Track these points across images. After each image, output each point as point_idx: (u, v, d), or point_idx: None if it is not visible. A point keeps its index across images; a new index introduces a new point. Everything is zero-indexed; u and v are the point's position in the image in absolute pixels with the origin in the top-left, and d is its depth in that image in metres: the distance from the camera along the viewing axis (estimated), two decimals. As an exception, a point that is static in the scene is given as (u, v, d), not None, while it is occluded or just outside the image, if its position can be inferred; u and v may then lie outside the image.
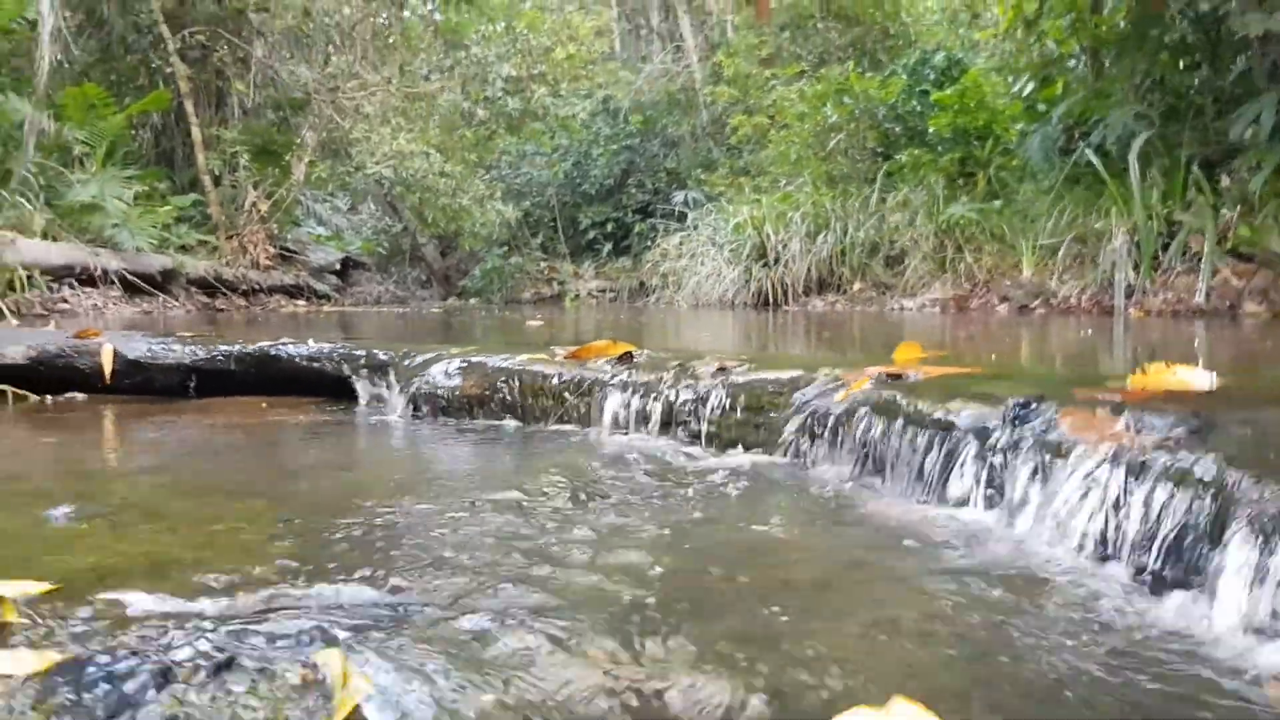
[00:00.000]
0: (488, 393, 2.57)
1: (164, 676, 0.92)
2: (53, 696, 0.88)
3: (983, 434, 1.54)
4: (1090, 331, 5.75)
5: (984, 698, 0.89)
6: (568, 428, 2.42)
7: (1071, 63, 11.57)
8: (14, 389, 3.14)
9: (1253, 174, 8.15)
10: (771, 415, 2.11)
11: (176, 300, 10.02)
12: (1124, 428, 1.36)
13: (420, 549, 1.36)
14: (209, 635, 1.00)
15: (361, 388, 2.90)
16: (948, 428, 1.62)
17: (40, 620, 1.05)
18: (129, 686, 0.90)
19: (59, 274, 8.58)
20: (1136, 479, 1.26)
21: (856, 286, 12.51)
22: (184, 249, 11.19)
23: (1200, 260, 7.69)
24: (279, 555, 1.30)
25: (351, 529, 1.46)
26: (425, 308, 14.01)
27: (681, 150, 20.33)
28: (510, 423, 2.52)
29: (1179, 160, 8.42)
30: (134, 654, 0.96)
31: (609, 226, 20.20)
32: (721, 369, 2.31)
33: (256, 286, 12.24)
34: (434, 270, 22.03)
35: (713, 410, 2.19)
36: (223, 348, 3.19)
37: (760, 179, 15.81)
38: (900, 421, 1.73)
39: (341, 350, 2.99)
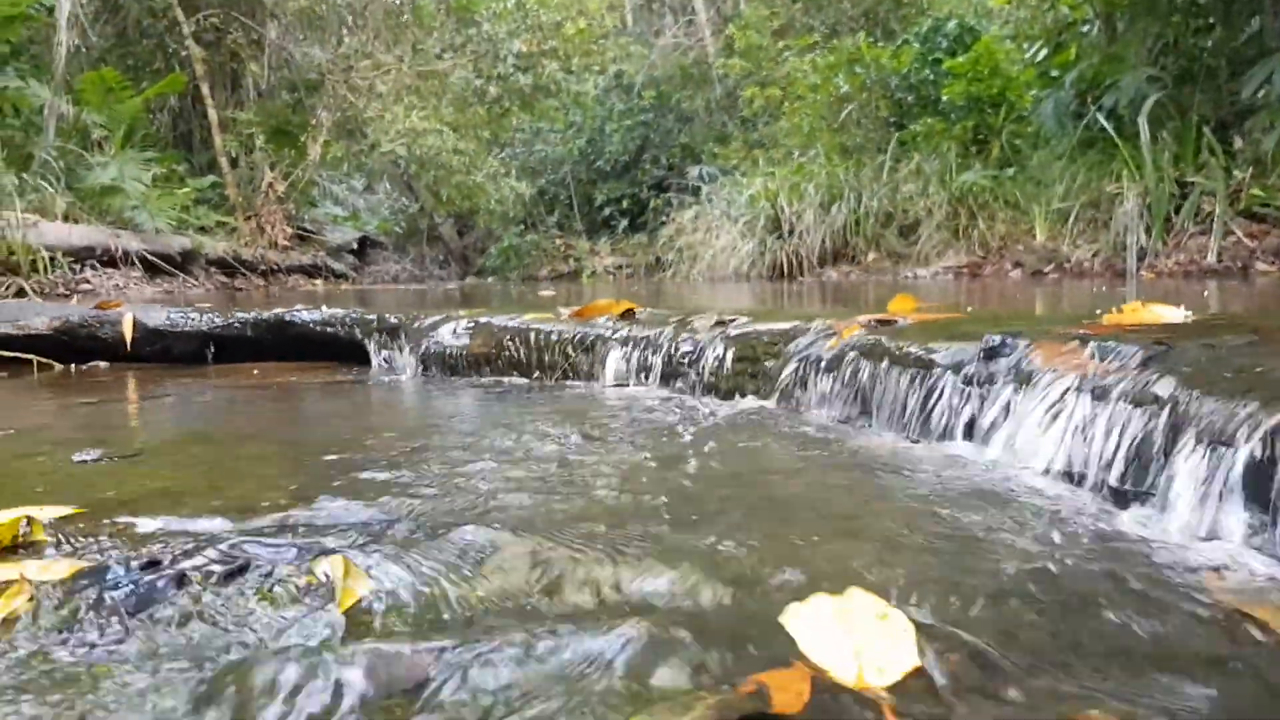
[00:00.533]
0: (494, 351, 2.65)
1: (180, 581, 1.00)
2: (79, 596, 0.97)
3: (959, 369, 1.61)
4: (1102, 289, 5.77)
5: (935, 591, 0.96)
6: (572, 382, 2.50)
7: (1086, 28, 11.49)
8: (39, 358, 3.24)
9: (1266, 134, 8.11)
10: (767, 364, 2.17)
11: (196, 280, 10.14)
12: (1090, 356, 1.42)
13: (419, 480, 1.44)
14: (221, 547, 1.08)
15: (374, 350, 2.98)
16: (928, 365, 1.68)
17: (65, 538, 1.14)
18: (148, 588, 0.98)
19: (81, 255, 8.70)
20: (1099, 402, 1.32)
21: (871, 256, 12.50)
22: (202, 230, 11.30)
23: (1212, 221, 7.67)
24: (288, 486, 1.39)
25: (357, 466, 1.54)
26: (442, 285, 14.11)
27: (695, 124, 20.31)
28: (517, 379, 2.60)
29: (1191, 122, 8.38)
30: (152, 562, 1.04)
31: (624, 203, 20.22)
32: (719, 323, 2.37)
33: (275, 266, 12.36)
34: (451, 249, 22.13)
35: (711, 361, 2.26)
36: (239, 315, 3.28)
37: (774, 151, 15.79)
38: (885, 362, 1.79)
39: (354, 315, 3.07)
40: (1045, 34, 12.14)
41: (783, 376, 2.10)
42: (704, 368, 2.26)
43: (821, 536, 1.14)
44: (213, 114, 12.81)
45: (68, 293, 7.92)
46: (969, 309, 2.45)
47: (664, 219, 16.66)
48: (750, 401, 2.14)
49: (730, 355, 2.24)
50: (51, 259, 8.01)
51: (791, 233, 12.91)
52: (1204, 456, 1.12)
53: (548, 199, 21.23)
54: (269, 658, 0.81)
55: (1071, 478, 1.32)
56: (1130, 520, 1.16)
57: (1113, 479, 1.25)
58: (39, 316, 3.36)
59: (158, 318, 3.32)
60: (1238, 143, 8.62)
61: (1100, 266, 8.26)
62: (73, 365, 3.29)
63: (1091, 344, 1.43)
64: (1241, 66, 8.87)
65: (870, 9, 17.84)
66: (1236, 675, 0.80)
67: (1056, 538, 1.12)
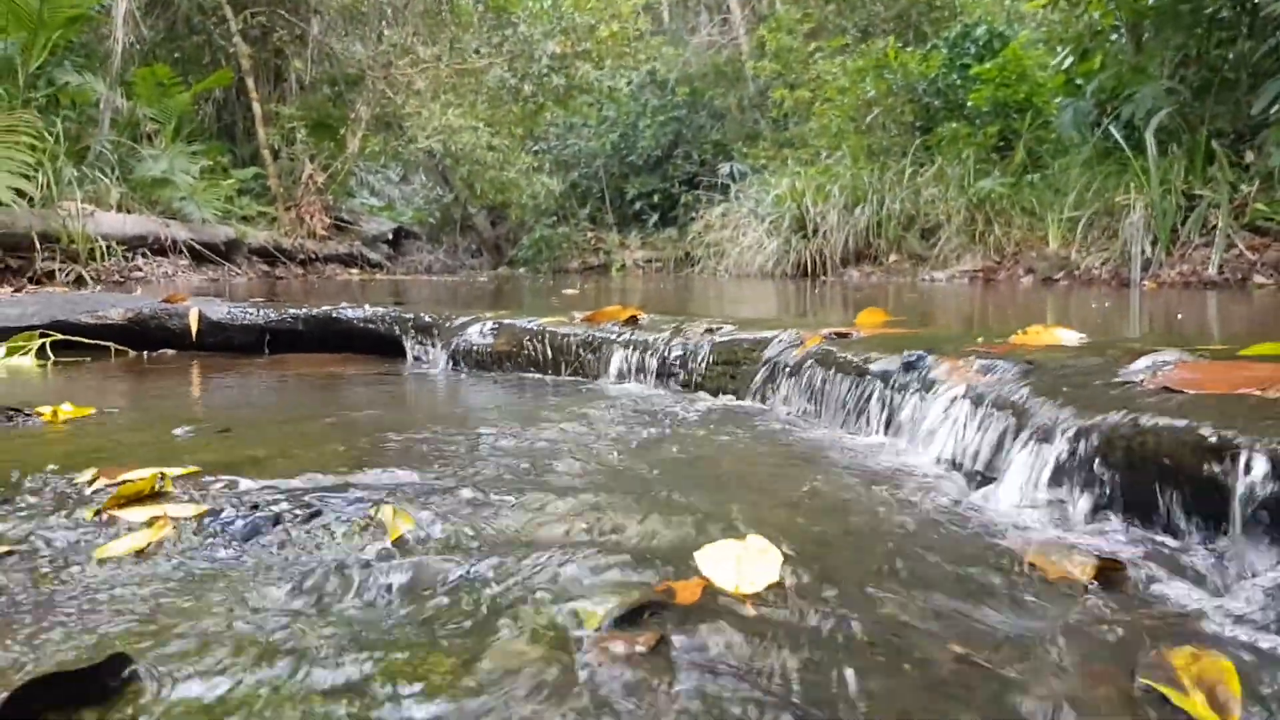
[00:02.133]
0: (515, 349, 3.05)
1: (275, 520, 1.40)
2: (206, 528, 1.37)
3: (885, 377, 1.98)
4: (1106, 304, 6.08)
5: (811, 536, 1.34)
6: (581, 379, 2.89)
7: (1115, 36, 11.68)
8: (116, 345, 3.67)
9: (1276, 150, 8.35)
10: (744, 367, 2.55)
11: (239, 268, 10.63)
12: (977, 371, 1.79)
13: (448, 453, 1.84)
14: (303, 499, 1.48)
15: (409, 346, 3.38)
16: (863, 373, 2.06)
17: (187, 489, 1.54)
18: (254, 524, 1.38)
19: (133, 244, 9.20)
20: (976, 406, 1.70)
21: (892, 258, 12.80)
22: (245, 220, 11.80)
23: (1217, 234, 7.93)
24: (345, 457, 1.79)
25: (398, 442, 1.94)
26: (474, 276, 14.56)
27: (728, 122, 20.63)
28: (534, 374, 3.00)
29: (1201, 136, 8.63)
30: (254, 505, 1.44)
31: (655, 197, 20.56)
32: (709, 330, 2.75)
33: (313, 256, 12.84)
34: (484, 240, 22.59)
35: (698, 363, 2.64)
36: (292, 310, 3.70)
37: (802, 151, 16.07)
38: (833, 369, 2.17)
39: (393, 313, 3.48)
40: (1072, 41, 12.34)
41: (756, 379, 2.48)
42: (691, 369, 2.65)
43: (746, 501, 1.53)
44: (257, 108, 13.31)
45: (121, 280, 8.42)
46: (924, 325, 2.80)
47: (694, 215, 17.01)
48: (729, 399, 2.52)
49: (714, 359, 2.62)
50: (107, 247, 8.51)
51: (816, 233, 13.24)
52: (1033, 449, 1.50)
53: (580, 192, 21.64)
54: (340, 566, 1.21)
55: (952, 464, 1.70)
56: (978, 496, 1.54)
57: (976, 465, 1.63)
58: (114, 308, 3.79)
59: (220, 312, 3.74)
60: (1249, 157, 8.86)
61: (1108, 275, 8.54)
62: (144, 352, 3.71)
63: (979, 361, 1.81)
64: (1260, 80, 9.08)
65: (903, 11, 18.07)
66: (999, 596, 1.17)
67: (916, 505, 1.50)
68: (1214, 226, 8.06)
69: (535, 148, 19.96)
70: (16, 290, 5.97)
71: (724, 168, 18.06)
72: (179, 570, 1.23)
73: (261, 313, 3.70)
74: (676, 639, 1.01)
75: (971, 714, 0.88)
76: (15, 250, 7.65)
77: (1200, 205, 8.27)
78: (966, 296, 7.39)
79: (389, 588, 1.15)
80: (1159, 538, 1.33)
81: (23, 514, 1.43)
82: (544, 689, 0.90)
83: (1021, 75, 12.55)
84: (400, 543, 1.33)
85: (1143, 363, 1.60)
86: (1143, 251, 8.19)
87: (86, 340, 3.69)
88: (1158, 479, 1.33)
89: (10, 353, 3.46)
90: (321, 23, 14.46)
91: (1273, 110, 8.71)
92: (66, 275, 7.86)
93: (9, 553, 1.28)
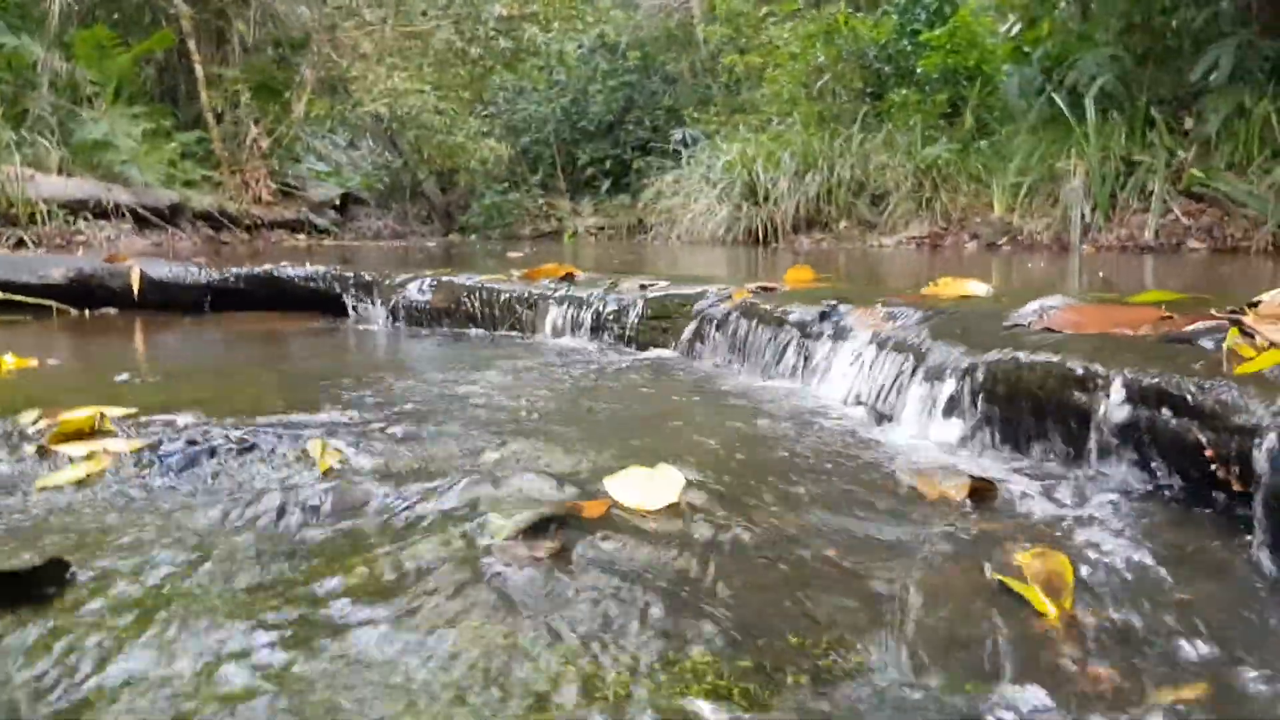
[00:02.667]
0: (453, 305, 3.12)
1: (211, 452, 1.48)
2: (143, 459, 1.44)
3: (802, 326, 2.09)
4: (1042, 264, 6.26)
5: (723, 467, 1.45)
6: (518, 334, 2.97)
7: (1063, 4, 11.83)
8: (58, 304, 3.68)
9: (1214, 116, 8.57)
10: (676, 321, 2.65)
11: (183, 233, 10.51)
12: (883, 318, 1.90)
13: (381, 398, 1.92)
14: (236, 434, 1.55)
15: (350, 303, 3.44)
16: (782, 323, 2.16)
17: (126, 428, 1.61)
18: (190, 456, 1.45)
19: (74, 207, 9.07)
20: (880, 350, 1.81)
21: (843, 225, 12.91)
22: (189, 184, 11.65)
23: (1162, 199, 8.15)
24: (281, 400, 1.86)
25: (330, 388, 2.02)
26: (422, 242, 14.50)
27: (680, 87, 20.61)
28: (472, 330, 3.07)
29: (1144, 102, 8.83)
30: (190, 441, 1.52)
31: (607, 164, 20.51)
32: (642, 286, 2.84)
33: (259, 221, 12.70)
34: (435, 206, 22.41)
35: (631, 318, 2.73)
36: (234, 270, 3.73)
37: (754, 117, 16.11)
38: (755, 320, 2.27)
39: (333, 272, 3.53)
40: (1020, 8, 12.47)
41: (686, 332, 2.58)
42: (625, 323, 2.74)
43: (662, 437, 1.63)
44: (199, 70, 13.09)
45: (64, 243, 8.31)
46: (849, 281, 2.91)
47: (646, 181, 17.03)
48: (661, 352, 2.62)
49: (647, 313, 2.71)
50: (48, 211, 8.40)
51: (767, 199, 13.34)
52: (926, 386, 1.61)
53: (531, 158, 21.52)
54: (268, 490, 1.29)
55: (859, 402, 1.81)
56: (877, 430, 1.65)
57: (879, 402, 1.74)
58: (56, 268, 3.80)
59: (162, 271, 3.77)
60: (1189, 123, 9.09)
61: (1050, 240, 8.74)
62: (86, 311, 3.73)
63: (884, 309, 1.92)
64: (1201, 47, 9.28)
65: (857, -26, 18.14)
66: (879, 512, 1.28)
67: (819, 439, 1.61)
68: (1152, 192, 8.27)
69: (485, 112, 19.82)
70: (-46, 252, 5.90)
71: (676, 134, 18.06)
72: (118, 496, 1.31)
73: (204, 272, 3.73)
74: (578, 545, 1.10)
75: (831, 598, 0.99)
76: (-48, 214, 7.53)
77: (1139, 171, 8.47)
78: (907, 260, 7.55)
79: (315, 508, 1.24)
80: (1033, 460, 1.45)
81: (-33, 454, 1.50)
82: (451, 586, 0.99)
83: (972, 42, 12.67)
84: (329, 472, 1.41)
85: (1031, 307, 1.71)
86: (1083, 217, 8.38)
87: (28, 300, 3.69)
88: (1032, 408, 1.44)
89: (-50, 311, 3.47)
90: (266, -17, 14.22)
91: (1211, 77, 8.91)
92: (7, 240, 7.76)
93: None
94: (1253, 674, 0.88)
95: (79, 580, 1.00)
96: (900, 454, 1.53)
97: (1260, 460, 1.12)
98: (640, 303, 2.73)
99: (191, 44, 13.08)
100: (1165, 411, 1.26)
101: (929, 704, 0.85)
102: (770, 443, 1.60)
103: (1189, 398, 1.23)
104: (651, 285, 2.82)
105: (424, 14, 14.50)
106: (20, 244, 7.65)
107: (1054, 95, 9.53)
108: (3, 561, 1.02)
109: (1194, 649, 0.93)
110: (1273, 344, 1.31)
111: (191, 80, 13.51)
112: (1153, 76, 9.55)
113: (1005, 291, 2.19)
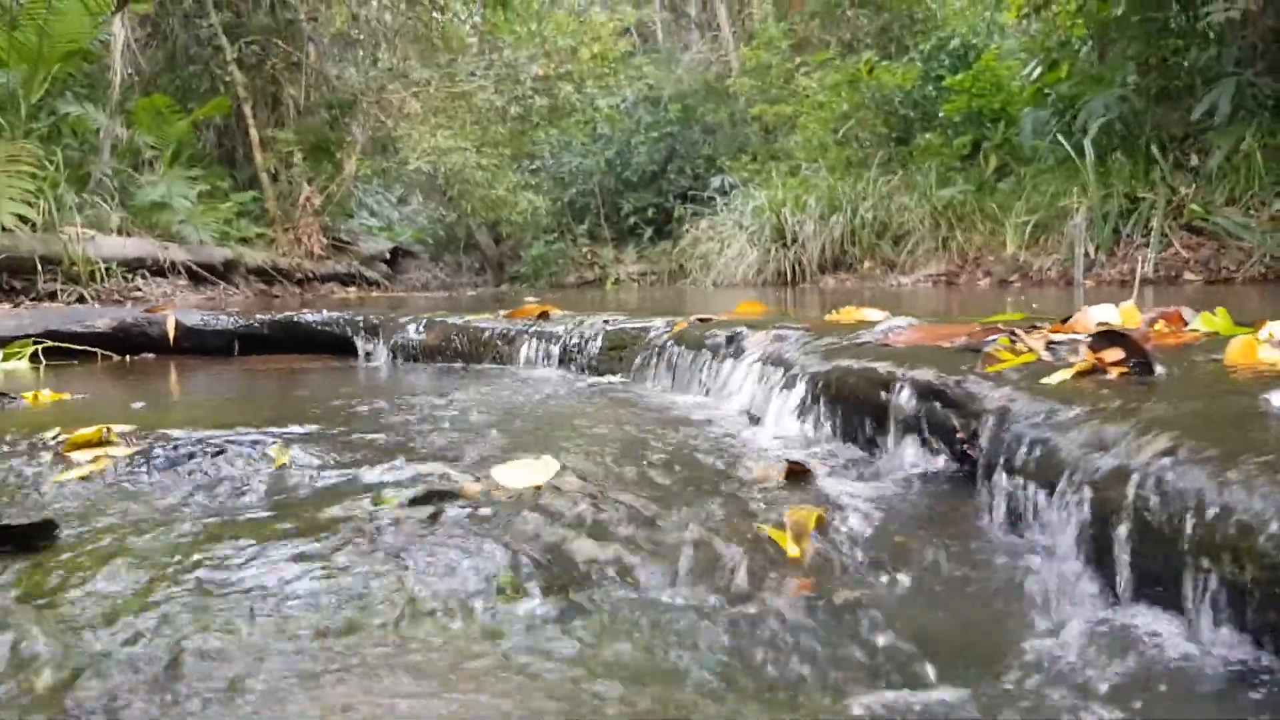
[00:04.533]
0: (444, 343, 3.49)
1: (190, 455, 1.83)
2: (136, 462, 1.80)
3: (714, 349, 2.41)
4: (1021, 298, 6.49)
5: (602, 458, 1.77)
6: (497, 366, 3.32)
7: (1085, 47, 12.05)
8: (102, 350, 4.11)
9: (1215, 153, 8.76)
10: (630, 350, 2.98)
11: (236, 288, 11.09)
12: (773, 340, 2.21)
13: (352, 415, 2.27)
14: (214, 442, 1.91)
15: (360, 344, 3.82)
16: (700, 347, 2.48)
17: (127, 439, 1.97)
18: (173, 459, 1.81)
19: (133, 265, 9.66)
20: (764, 366, 2.12)
21: (867, 264, 13.18)
22: (243, 241, 12.27)
23: (1162, 234, 8.33)
24: (265, 417, 2.22)
25: (316, 409, 2.37)
26: (465, 292, 15.02)
27: (720, 136, 21.09)
28: (459, 364, 3.43)
29: (1143, 141, 9.05)
30: (175, 447, 1.87)
31: (650, 212, 20.97)
32: (605, 321, 3.18)
33: (310, 275, 13.29)
34: (488, 256, 23.05)
35: (592, 349, 3.07)
36: (259, 316, 4.14)
37: (787, 163, 16.46)
38: (683, 346, 2.60)
39: (345, 317, 3.92)
40: (1042, 51, 12.71)
41: (636, 359, 2.90)
42: (587, 354, 3.08)
43: (571, 438, 1.96)
44: (254, 133, 13.80)
45: (121, 299, 8.88)
46: (787, 314, 3.21)
47: (687, 228, 17.47)
48: (614, 378, 2.95)
49: (605, 345, 3.05)
50: (107, 269, 8.99)
51: (794, 241, 13.67)
52: (786, 392, 1.92)
53: (577, 208, 22.14)
54: (227, 479, 1.64)
55: (744, 412, 2.12)
56: (749, 431, 1.97)
57: (757, 409, 2.05)
58: (101, 318, 4.24)
59: (194, 319, 4.19)
60: (1194, 160, 9.28)
61: (1057, 276, 8.94)
62: (128, 356, 4.16)
63: (775, 332, 2.23)
64: (1210, 85, 9.49)
65: (886, 25, 18.50)
66: (708, 489, 1.59)
67: (697, 438, 1.93)
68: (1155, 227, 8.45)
69: (531, 166, 20.46)
70: (15, 307, 6.43)
71: (715, 181, 18.49)
72: (111, 487, 1.67)
73: (231, 319, 4.15)
74: (448, 510, 1.43)
75: (627, 541, 1.31)
76: (19, 272, 8.12)
77: (1143, 207, 8.67)
78: (911, 296, 7.80)
79: (259, 491, 1.58)
80: (856, 447, 1.75)
81: (2, 455, 1.87)
82: (345, 537, 1.33)
83: (997, 85, 12.93)
84: (281, 467, 1.76)
85: (881, 327, 2.02)
86: (1087, 253, 8.59)
87: (76, 347, 4.13)
88: (854, 406, 1.75)
89: (7, 358, 3.91)
90: (316, 50, 14.97)
91: (1215, 116, 9.11)
92: (68, 296, 8.33)
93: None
94: (911, 583, 1.19)
95: (64, 537, 1.35)
96: (756, 448, 1.84)
97: (983, 437, 1.42)
98: (600, 335, 3.07)
99: (247, 108, 13.81)
100: (936, 403, 1.57)
101: (675, 601, 1.16)
102: (654, 441, 1.92)
103: (948, 391, 1.54)
104: (612, 320, 3.15)
105: (472, 74, 15.17)
106: (80, 299, 8.21)
107: (1059, 136, 9.77)
108: (9, 520, 1.38)
109: (889, 570, 1.24)
110: (1030, 350, 1.60)
111: (248, 142, 14.25)
112: (1164, 115, 9.76)
113: (889, 317, 2.49)
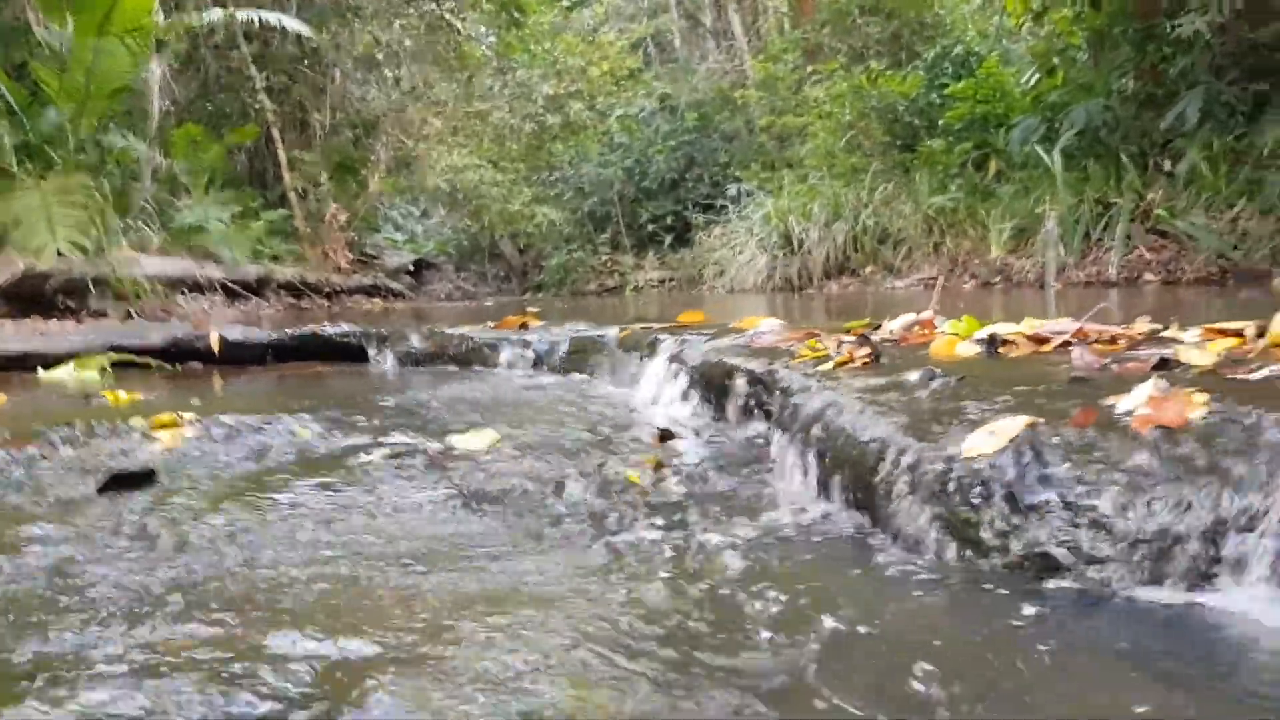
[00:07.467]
0: (440, 350, 4.19)
1: (239, 432, 2.53)
2: (203, 436, 2.50)
3: (639, 350, 3.08)
4: (968, 300, 7.11)
5: (530, 430, 2.44)
6: (484, 369, 4.02)
7: (1081, 55, 12.53)
8: (158, 361, 4.84)
9: (1184, 159, 9.31)
10: (589, 353, 3.66)
11: (268, 302, 11.89)
12: (679, 342, 2.88)
13: (359, 407, 2.96)
14: (254, 424, 2.61)
15: (371, 352, 4.52)
16: (633, 349, 3.16)
17: (191, 422, 2.67)
18: (230, 434, 2.51)
19: (173, 284, 10.46)
20: (668, 362, 2.79)
21: (869, 269, 13.77)
22: (274, 258, 13.08)
23: (1127, 237, 8.91)
24: (293, 409, 2.92)
25: (335, 403, 3.07)
26: (483, 302, 15.78)
27: (736, 145, 21.71)
28: (452, 367, 4.13)
29: (1114, 148, 9.62)
30: (228, 427, 2.57)
31: (669, 219, 21.53)
32: (572, 330, 3.86)
33: (338, 288, 14.07)
34: (513, 266, 23.76)
35: (558, 353, 3.75)
36: (288, 331, 4.86)
37: (797, 171, 17.02)
38: (623, 349, 3.27)
39: (359, 329, 4.63)
40: (1039, 59, 13.21)
41: (591, 361, 3.58)
42: (555, 356, 3.76)
43: (520, 418, 2.64)
44: (282, 155, 14.63)
45: (164, 315, 9.68)
46: (717, 318, 3.85)
47: (703, 235, 18.11)
48: (575, 376, 3.63)
49: (570, 349, 3.73)
50: (150, 288, 9.79)
51: (801, 247, 14.29)
52: (674, 380, 2.59)
53: (598, 217, 22.85)
54: (268, 447, 2.34)
55: (649, 397, 2.79)
56: (648, 411, 2.64)
57: (655, 395, 2.72)
58: (156, 334, 4.97)
59: (234, 334, 4.91)
60: (1168, 165, 9.83)
61: (1034, 279, 9.53)
62: (178, 365, 4.88)
63: (686, 335, 2.90)
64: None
65: (896, 32, 19.04)
66: (599, 448, 2.26)
67: (606, 416, 2.60)
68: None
69: (552, 177, 21.18)
70: (78, 324, 7.21)
71: (730, 189, 19.09)
72: (185, 455, 2.37)
73: (265, 334, 4.87)
74: (415, 460, 2.12)
75: (521, 479, 1.99)
76: (72, 293, 8.94)
77: (1114, 211, 9.24)
78: (889, 299, 8.43)
79: (288, 454, 2.28)
80: (721, 421, 2.42)
81: (103, 438, 2.57)
82: (341, 477, 2.01)
83: (1001, 92, 13.36)
84: (304, 440, 2.45)
85: (751, 331, 2.68)
86: (1059, 256, 9.17)
87: (135, 359, 4.86)
88: (717, 390, 2.42)
89: (79, 368, 4.64)
90: (341, 73, 15.79)
91: (1187, 124, 9.63)
92: (116, 313, 9.13)
93: (98, 454, 2.42)
94: (704, 489, 1.86)
95: (161, 481, 2.05)
96: (648, 421, 2.51)
97: (774, 405, 2.08)
98: (566, 342, 3.75)
99: (275, 132, 14.64)
100: (759, 385, 2.23)
101: (557, 506, 1.84)
102: (577, 419, 2.60)
103: (764, 377, 2.21)
104: (576, 329, 3.83)
105: (490, 89, 15.94)
106: (128, 315, 9.01)
107: (1037, 145, 10.36)
108: (127, 468, 2.08)
109: (692, 486, 1.91)
110: (824, 348, 2.27)
111: (277, 164, 15.09)
112: (1149, 122, 10.29)
113: (793, 319, 3.16)
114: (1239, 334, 1.82)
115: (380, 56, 16.00)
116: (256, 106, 14.12)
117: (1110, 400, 1.47)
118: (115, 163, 11.82)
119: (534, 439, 2.37)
